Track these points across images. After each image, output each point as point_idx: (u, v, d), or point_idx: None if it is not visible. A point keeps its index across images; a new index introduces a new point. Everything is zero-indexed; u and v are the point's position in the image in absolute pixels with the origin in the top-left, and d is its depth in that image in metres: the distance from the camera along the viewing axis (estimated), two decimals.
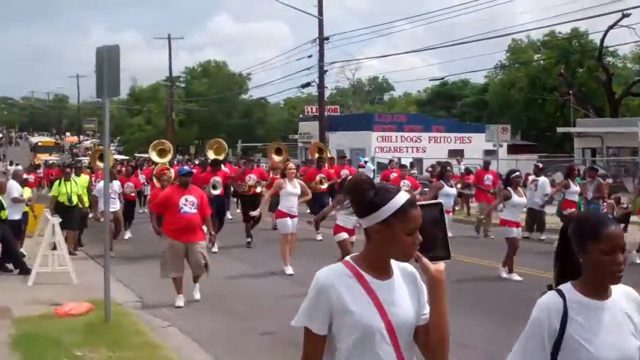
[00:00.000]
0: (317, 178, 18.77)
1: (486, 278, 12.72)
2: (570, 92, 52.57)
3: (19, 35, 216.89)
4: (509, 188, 12.74)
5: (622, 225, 18.40)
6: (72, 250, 15.45)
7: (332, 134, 40.46)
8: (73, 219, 15.91)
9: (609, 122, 43.05)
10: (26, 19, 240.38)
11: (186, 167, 13.79)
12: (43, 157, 63.03)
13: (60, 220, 13.54)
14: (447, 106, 70.93)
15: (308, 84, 36.63)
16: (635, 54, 57.32)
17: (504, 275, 12.58)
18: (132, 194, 20.76)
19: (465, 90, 71.73)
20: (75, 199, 16.18)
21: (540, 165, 19.71)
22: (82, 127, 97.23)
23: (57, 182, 16.69)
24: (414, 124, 46.62)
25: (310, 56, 35.00)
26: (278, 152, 21.92)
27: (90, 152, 21.12)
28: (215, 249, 15.34)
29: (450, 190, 15.11)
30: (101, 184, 13.86)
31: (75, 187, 16.35)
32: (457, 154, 36.76)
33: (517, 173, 13.22)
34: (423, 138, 45.12)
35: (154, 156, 21.24)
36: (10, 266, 13.74)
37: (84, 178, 18.56)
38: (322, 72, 34.22)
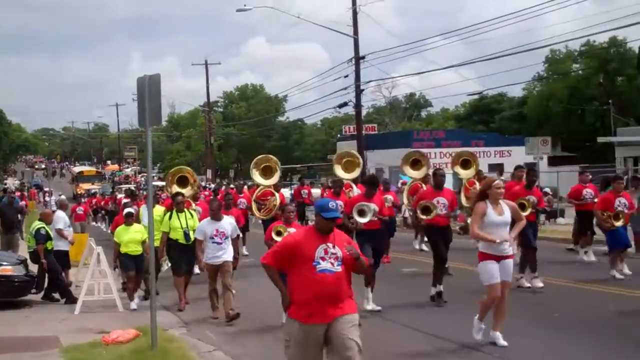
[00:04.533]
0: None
1: None
2: (610, 101, 51.92)
3: (58, 65, 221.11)
4: None
5: None
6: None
7: (370, 152, 40.42)
8: (190, 260, 12.73)
9: None
10: (63, 48, 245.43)
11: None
12: (85, 186, 63.87)
13: (173, 262, 12.57)
14: (486, 120, 70.38)
15: (345, 104, 36.62)
16: None
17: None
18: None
19: (503, 103, 71.16)
20: (193, 236, 12.32)
21: (590, 176, 19.31)
22: (122, 155, 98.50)
23: (168, 214, 13.06)
24: (452, 140, 46.36)
25: (346, 76, 35.08)
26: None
27: (169, 177, 17.80)
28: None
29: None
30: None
31: (191, 221, 12.96)
32: (497, 168, 36.43)
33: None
34: None
35: (257, 177, 17.88)
36: (57, 296, 13.91)
37: (159, 210, 14.21)
38: (358, 92, 34.23)
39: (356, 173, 18.12)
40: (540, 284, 12.56)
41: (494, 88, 78.52)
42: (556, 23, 77.38)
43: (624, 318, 10.24)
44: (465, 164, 18.23)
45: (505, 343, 8.65)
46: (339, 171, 17.93)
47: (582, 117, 58.09)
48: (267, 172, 17.76)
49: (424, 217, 11.71)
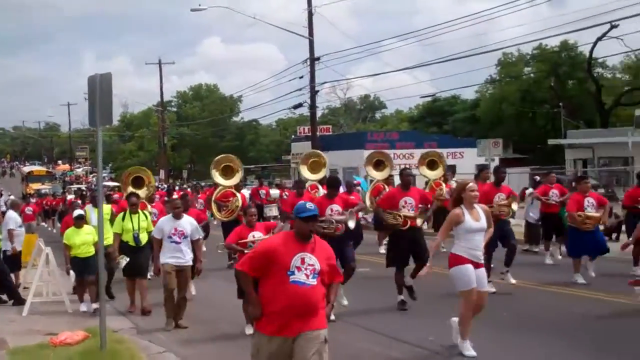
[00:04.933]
0: None
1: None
2: (561, 104, 52.87)
3: (8, 64, 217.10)
4: None
5: (614, 234, 18.37)
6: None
7: (324, 153, 40.46)
8: (143, 263, 12.45)
9: (599, 132, 43.31)
10: (13, 48, 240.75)
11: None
12: (35, 186, 62.74)
13: (126, 263, 12.14)
14: (439, 122, 71.11)
15: (300, 105, 36.67)
16: (624, 65, 57.73)
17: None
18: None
19: (457, 105, 71.97)
20: (145, 238, 12.45)
21: (538, 178, 19.71)
22: (74, 155, 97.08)
23: (122, 215, 12.78)
24: (406, 141, 46.64)
25: (301, 77, 35.14)
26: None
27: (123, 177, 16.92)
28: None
29: None
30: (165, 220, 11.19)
31: (144, 223, 12.70)
32: (449, 169, 36.79)
33: None
34: (415, 155, 45.04)
35: (217, 177, 17.41)
36: (4, 297, 13.65)
37: (106, 208, 14.11)
38: (313, 93, 34.32)
39: (322, 174, 17.81)
40: (493, 290, 11.95)
41: (447, 90, 79.08)
42: (509, 27, 78.67)
43: (592, 321, 10.20)
44: (432, 165, 18.26)
45: (474, 353, 8.24)
46: (305, 172, 17.68)
47: (533, 120, 59.05)
48: (227, 173, 17.37)
49: (394, 222, 11.21)
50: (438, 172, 17.89)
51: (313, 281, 5.70)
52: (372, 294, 12.69)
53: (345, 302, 10.99)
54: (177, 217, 10.91)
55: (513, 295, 12.13)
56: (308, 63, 33.91)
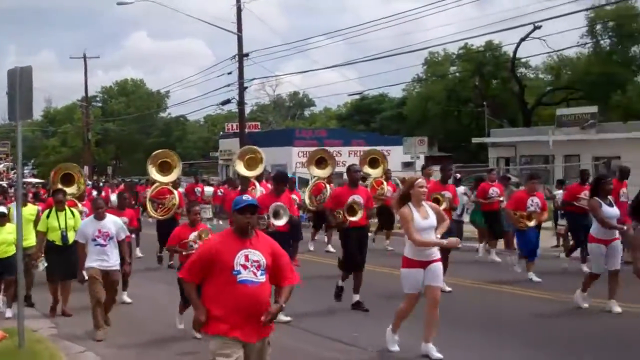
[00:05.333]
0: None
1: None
2: (485, 103, 54.04)
3: None
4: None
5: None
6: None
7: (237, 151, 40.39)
8: (72, 263, 11.26)
9: (521, 131, 44.43)
10: None
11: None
12: None
13: (46, 265, 11.56)
14: (367, 120, 71.84)
15: (228, 101, 36.46)
16: (546, 65, 59.39)
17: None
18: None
19: (384, 103, 72.80)
20: (72, 236, 11.50)
21: (458, 175, 20.09)
22: None
23: (47, 212, 12.00)
24: (334, 139, 47.00)
25: (229, 73, 34.90)
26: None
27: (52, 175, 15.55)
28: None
29: (611, 212, 10.55)
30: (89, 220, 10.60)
31: (72, 220, 11.93)
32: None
33: (609, 179, 11.07)
34: (343, 152, 45.43)
35: (154, 173, 16.62)
36: None
37: (32, 209, 13.10)
38: (242, 89, 34.15)
39: (259, 170, 17.30)
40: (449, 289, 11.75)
41: (374, 89, 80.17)
42: (435, 26, 79.91)
43: (544, 320, 10.16)
44: (374, 163, 18.20)
45: (440, 355, 7.93)
46: (240, 168, 17.04)
47: (458, 118, 60.22)
48: (165, 169, 16.62)
49: (352, 218, 10.80)
50: (379, 171, 17.81)
51: (262, 278, 5.43)
52: (305, 293, 12.61)
53: (287, 319, 10.10)
54: (100, 217, 10.24)
55: (465, 294, 12.09)
56: (237, 59, 33.74)
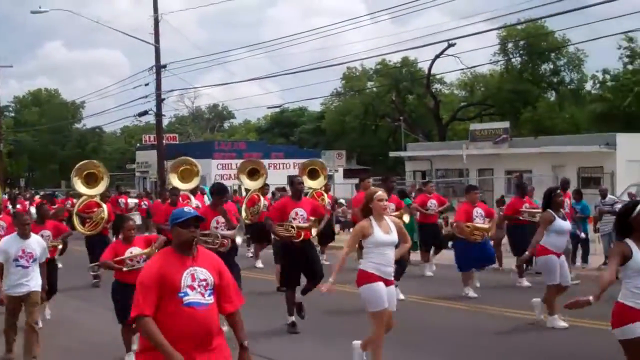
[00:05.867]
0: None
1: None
2: (401, 117, 55.07)
3: None
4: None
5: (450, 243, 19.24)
6: None
7: (171, 162, 40.03)
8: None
9: (437, 145, 45.53)
10: None
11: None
12: None
13: None
14: (286, 133, 72.16)
15: (145, 113, 35.97)
16: (460, 82, 61.02)
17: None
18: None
19: (304, 117, 73.28)
20: None
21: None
22: None
23: None
24: (253, 151, 46.95)
25: (147, 84, 34.53)
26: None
27: None
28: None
29: (564, 225, 10.44)
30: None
31: None
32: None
33: (559, 191, 10.92)
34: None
35: (79, 185, 15.72)
36: None
37: None
38: (159, 100, 33.82)
39: (194, 183, 16.54)
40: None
41: (293, 102, 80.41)
42: (354, 42, 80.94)
43: (485, 335, 9.91)
44: (313, 174, 17.75)
45: None
46: (174, 181, 16.21)
47: (375, 133, 61.16)
48: (91, 181, 15.70)
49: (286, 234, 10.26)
50: (320, 182, 17.23)
51: (210, 299, 4.84)
52: (250, 311, 12.37)
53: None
54: (25, 235, 9.01)
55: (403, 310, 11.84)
56: (154, 70, 33.44)
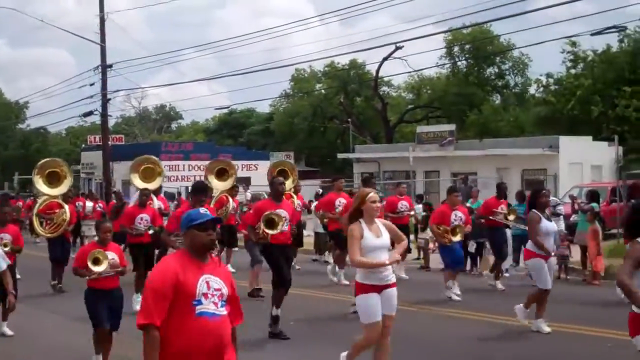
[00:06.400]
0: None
1: None
2: (349, 120, 55.35)
3: None
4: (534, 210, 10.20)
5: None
6: None
7: (117, 164, 39.57)
8: None
9: (384, 147, 45.84)
10: None
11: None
12: None
13: None
14: (234, 134, 71.84)
15: (90, 113, 35.45)
16: (407, 84, 61.60)
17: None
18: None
19: (252, 118, 73.06)
20: None
21: (321, 191, 20.61)
22: None
23: None
24: (201, 152, 46.67)
25: (92, 84, 34.01)
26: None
27: None
28: None
29: (550, 226, 10.32)
30: None
31: None
32: (244, 181, 37.32)
33: (544, 192, 10.81)
34: None
35: (41, 185, 15.15)
36: None
37: None
38: (105, 101, 33.38)
39: (157, 183, 16.16)
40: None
41: (242, 103, 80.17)
42: (302, 43, 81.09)
43: (469, 340, 9.76)
44: (221, 174, 17.09)
45: None
46: (136, 181, 15.86)
47: (324, 134, 61.35)
48: (54, 180, 15.17)
49: (270, 231, 9.96)
50: (290, 183, 16.25)
51: (222, 310, 4.54)
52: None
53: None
54: None
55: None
56: (100, 70, 33.01)
